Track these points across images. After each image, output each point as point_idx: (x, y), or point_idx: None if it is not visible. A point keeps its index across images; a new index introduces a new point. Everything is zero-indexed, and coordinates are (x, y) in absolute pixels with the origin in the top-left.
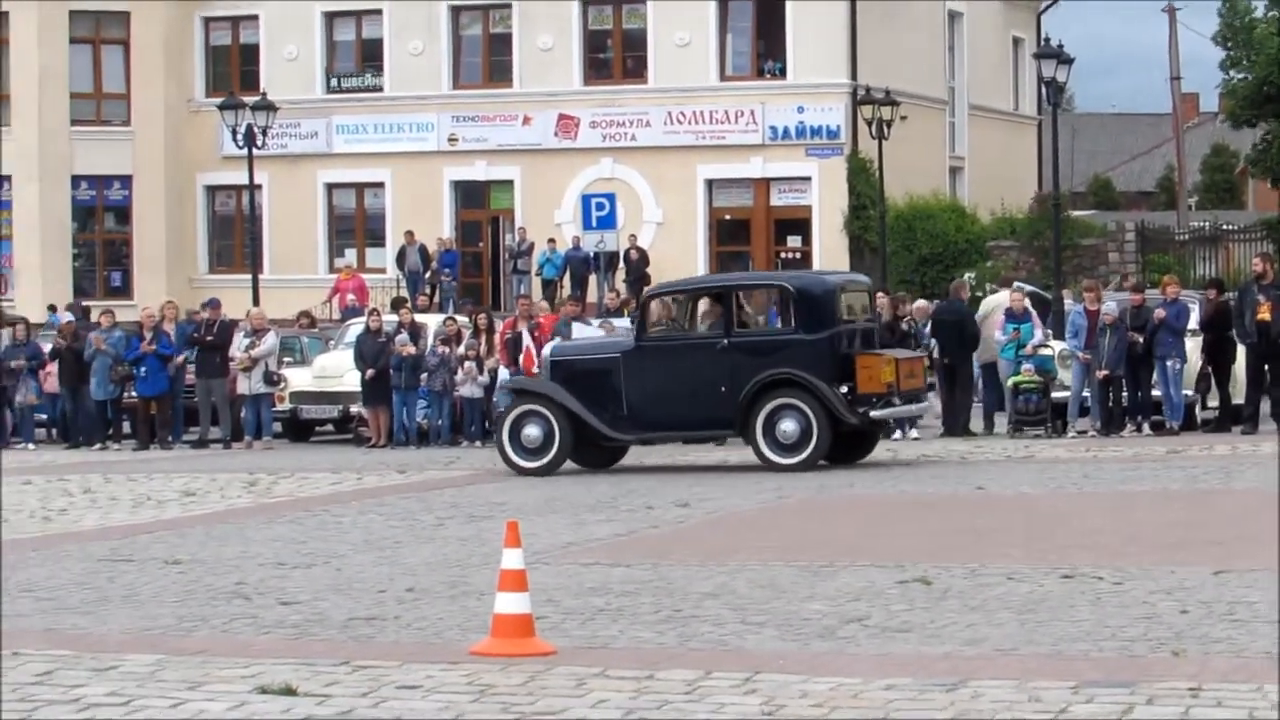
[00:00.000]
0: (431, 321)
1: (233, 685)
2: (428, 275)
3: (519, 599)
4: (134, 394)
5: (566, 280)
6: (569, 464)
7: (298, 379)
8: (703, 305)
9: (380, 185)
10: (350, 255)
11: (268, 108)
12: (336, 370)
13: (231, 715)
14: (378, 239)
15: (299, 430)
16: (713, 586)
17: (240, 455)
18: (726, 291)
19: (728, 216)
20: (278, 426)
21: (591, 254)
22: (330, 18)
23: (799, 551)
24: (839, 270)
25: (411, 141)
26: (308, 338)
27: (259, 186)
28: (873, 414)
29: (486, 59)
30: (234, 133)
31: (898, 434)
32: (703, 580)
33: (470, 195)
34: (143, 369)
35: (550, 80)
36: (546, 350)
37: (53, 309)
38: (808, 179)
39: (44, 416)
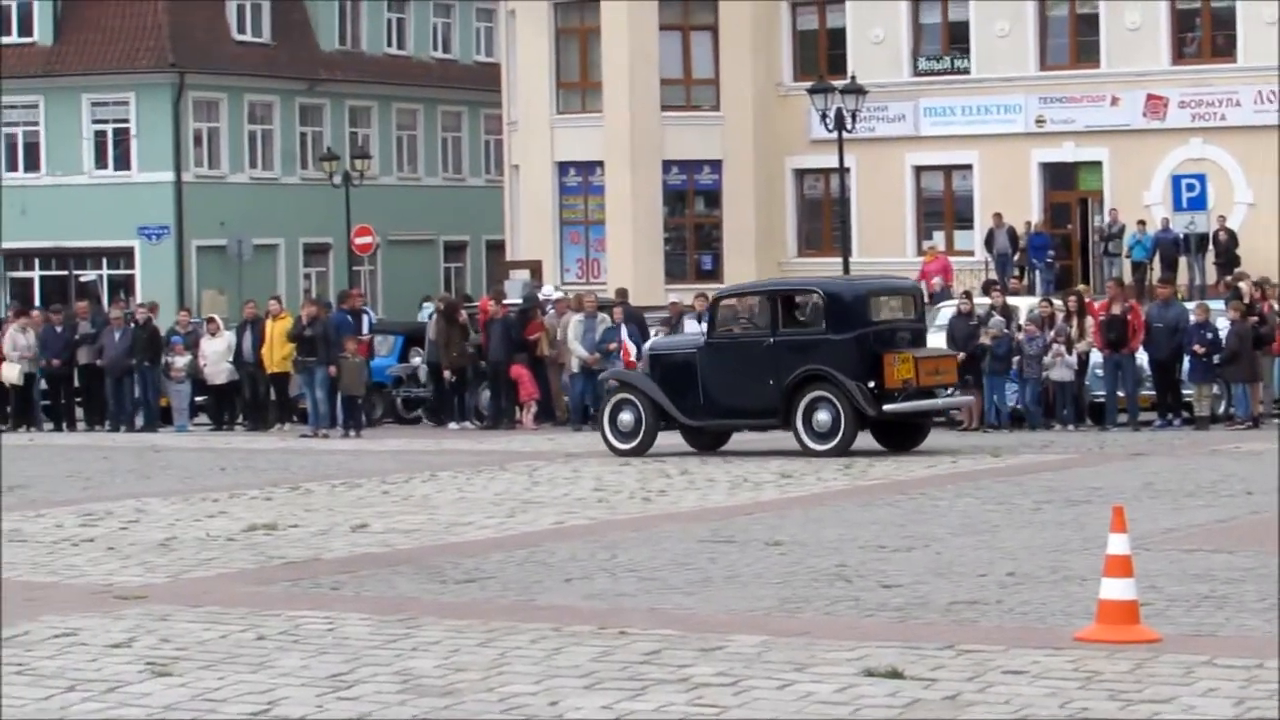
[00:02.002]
0: (1023, 304)
1: (839, 667)
2: (1016, 257)
3: (1124, 585)
4: None
5: (1156, 262)
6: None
7: None
8: (758, 306)
9: (968, 168)
10: (938, 238)
11: (857, 91)
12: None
13: (839, 698)
14: (965, 221)
15: None
16: None
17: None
18: (773, 294)
19: None
20: None
21: (1181, 236)
22: (916, 0)
23: None
24: (882, 277)
25: (999, 123)
26: None
27: (847, 170)
28: (885, 407)
29: (1073, 39)
30: (823, 116)
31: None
32: None
33: (1058, 177)
34: None
35: (1138, 60)
36: (646, 345)
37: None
38: None
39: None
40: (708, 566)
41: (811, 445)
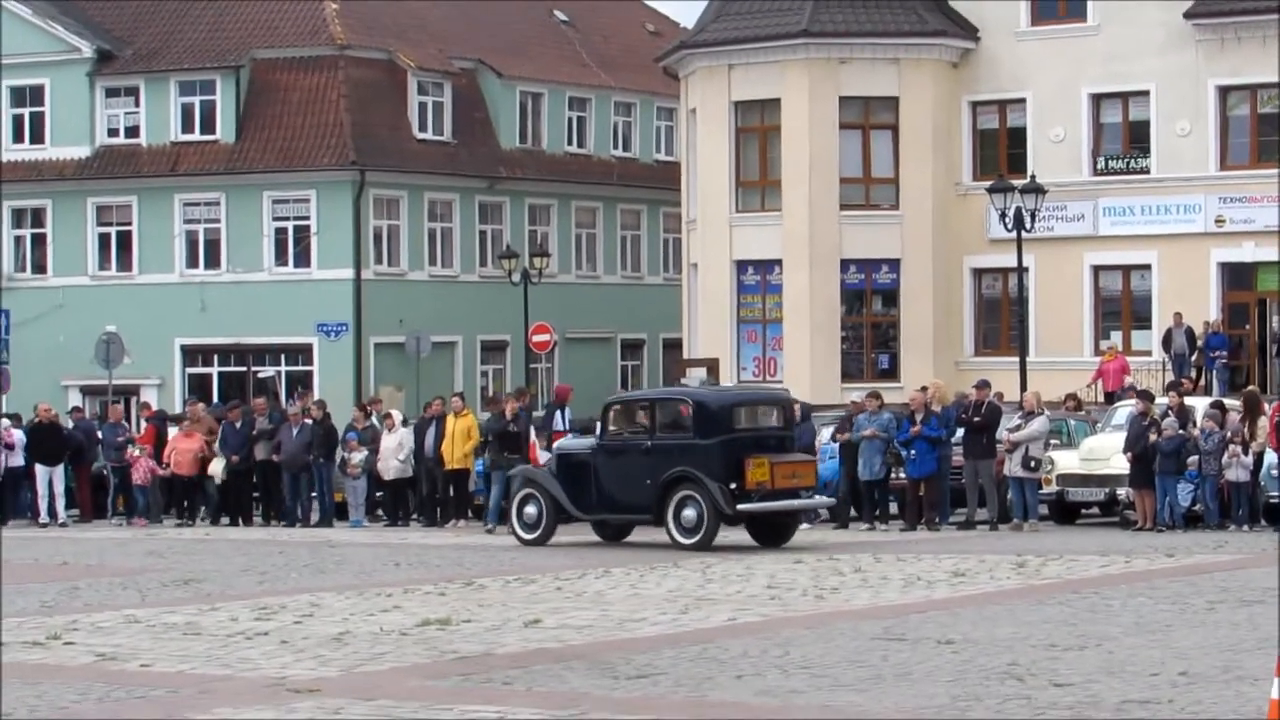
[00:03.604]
0: (1200, 404)
1: None
2: (1194, 357)
3: None
4: (903, 475)
5: None
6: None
7: (1065, 461)
8: (641, 412)
9: (1147, 267)
10: (1115, 337)
11: (1036, 190)
12: (1103, 453)
13: None
14: (1143, 321)
15: (1065, 512)
16: None
17: (1007, 537)
18: (653, 402)
19: None
20: (1044, 509)
21: None
22: (1097, 100)
23: None
24: (753, 388)
25: (1178, 223)
26: (1075, 420)
27: (1026, 269)
28: (739, 507)
29: (1254, 139)
30: (1002, 215)
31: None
32: None
33: (1237, 276)
34: (912, 451)
35: None
36: (555, 446)
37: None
38: None
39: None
40: (880, 664)
41: (679, 539)
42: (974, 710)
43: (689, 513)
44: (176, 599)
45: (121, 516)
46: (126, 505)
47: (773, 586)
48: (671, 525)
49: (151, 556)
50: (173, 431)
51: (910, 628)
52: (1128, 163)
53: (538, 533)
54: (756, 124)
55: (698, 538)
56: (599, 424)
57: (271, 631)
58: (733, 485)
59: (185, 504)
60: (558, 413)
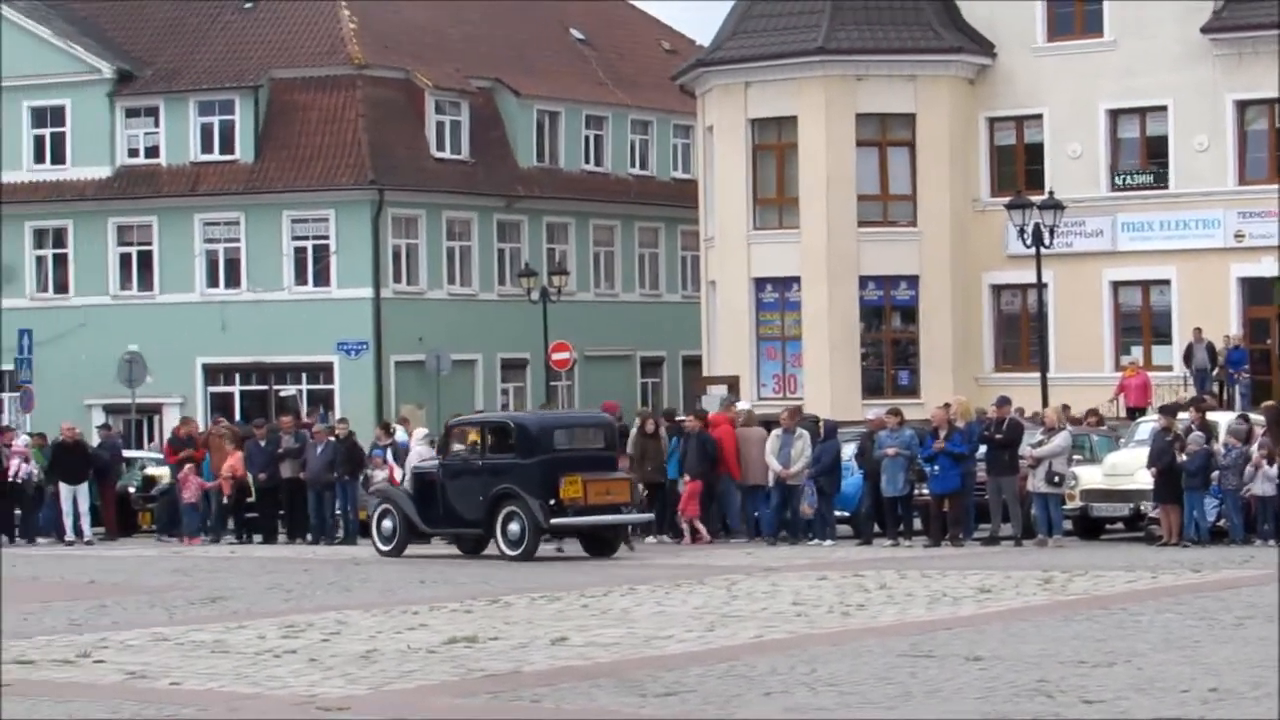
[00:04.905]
0: (1223, 419)
1: None
2: (1215, 373)
3: None
4: (926, 491)
5: None
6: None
7: (1088, 477)
8: (475, 433)
9: (1166, 283)
10: (1136, 353)
11: (1055, 206)
12: (1127, 468)
13: None
14: (1163, 336)
15: (1089, 528)
16: None
17: (1032, 553)
18: (483, 424)
19: None
20: (1068, 524)
21: None
22: (1114, 115)
23: None
24: (572, 412)
25: (1197, 238)
26: (1098, 435)
27: (1045, 285)
28: (553, 521)
29: (1272, 154)
30: (1021, 232)
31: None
32: None
33: (1257, 292)
34: (935, 467)
35: None
36: (412, 465)
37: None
38: None
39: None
40: (908, 681)
41: (506, 551)
42: None
43: (513, 527)
44: (204, 617)
45: (168, 534)
46: (161, 522)
47: (798, 603)
48: (499, 538)
49: (177, 574)
50: None
51: (938, 644)
52: (1146, 178)
53: (393, 545)
54: (773, 141)
55: (520, 550)
56: (443, 444)
57: (299, 649)
58: (551, 501)
59: (238, 522)
60: None
